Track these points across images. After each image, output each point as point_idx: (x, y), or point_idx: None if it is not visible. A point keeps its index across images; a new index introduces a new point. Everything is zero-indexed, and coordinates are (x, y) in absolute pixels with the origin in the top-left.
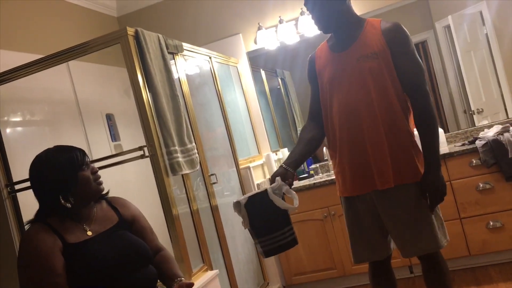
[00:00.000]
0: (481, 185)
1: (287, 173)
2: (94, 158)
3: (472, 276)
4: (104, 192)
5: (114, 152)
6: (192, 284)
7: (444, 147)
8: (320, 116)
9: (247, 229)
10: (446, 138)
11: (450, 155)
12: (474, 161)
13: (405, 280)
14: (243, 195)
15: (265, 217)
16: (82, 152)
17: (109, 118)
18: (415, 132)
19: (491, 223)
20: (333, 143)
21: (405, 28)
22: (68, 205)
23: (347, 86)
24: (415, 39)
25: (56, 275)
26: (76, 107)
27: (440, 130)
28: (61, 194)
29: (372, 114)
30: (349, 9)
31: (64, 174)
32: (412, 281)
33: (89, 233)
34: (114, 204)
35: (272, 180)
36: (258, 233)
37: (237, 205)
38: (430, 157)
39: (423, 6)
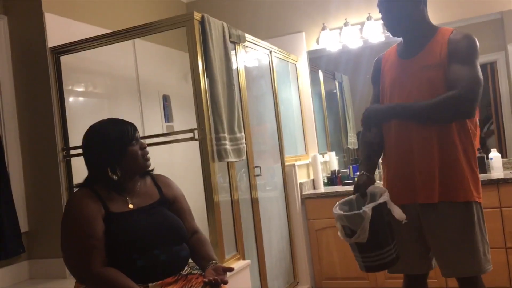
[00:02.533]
0: None
1: (371, 181)
2: (146, 134)
3: None
4: (150, 168)
5: (165, 132)
6: (232, 269)
7: (499, 172)
8: None
9: (349, 242)
10: (503, 164)
11: (504, 181)
12: None
13: None
14: (284, 191)
15: (378, 230)
16: (133, 127)
17: (165, 99)
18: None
19: None
20: (385, 149)
21: (474, 40)
22: (115, 177)
23: (406, 94)
24: (484, 58)
25: (95, 239)
26: (135, 85)
27: (497, 154)
28: (109, 165)
29: (426, 127)
30: (423, 14)
31: (113, 146)
32: None
33: (131, 205)
34: (158, 181)
35: (360, 190)
36: (365, 248)
37: (355, 217)
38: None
39: (497, 26)
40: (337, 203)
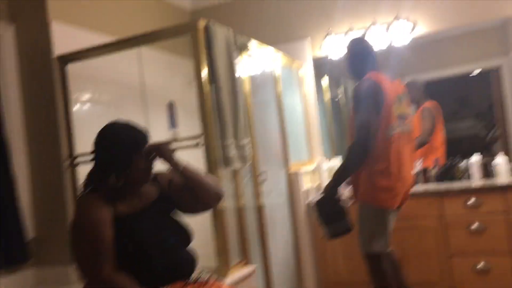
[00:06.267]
0: None
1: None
2: (152, 141)
3: None
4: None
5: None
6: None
7: (505, 178)
8: None
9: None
10: (510, 169)
11: (511, 187)
12: None
13: None
14: (288, 198)
15: (332, 211)
16: (145, 136)
17: (171, 106)
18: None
19: None
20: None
21: (363, 86)
22: (119, 183)
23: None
24: (488, 64)
25: (106, 243)
26: (141, 92)
27: (504, 160)
28: (115, 171)
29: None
30: (359, 69)
31: (122, 150)
32: None
33: (137, 206)
34: (156, 177)
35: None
36: (325, 222)
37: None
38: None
39: (501, 31)
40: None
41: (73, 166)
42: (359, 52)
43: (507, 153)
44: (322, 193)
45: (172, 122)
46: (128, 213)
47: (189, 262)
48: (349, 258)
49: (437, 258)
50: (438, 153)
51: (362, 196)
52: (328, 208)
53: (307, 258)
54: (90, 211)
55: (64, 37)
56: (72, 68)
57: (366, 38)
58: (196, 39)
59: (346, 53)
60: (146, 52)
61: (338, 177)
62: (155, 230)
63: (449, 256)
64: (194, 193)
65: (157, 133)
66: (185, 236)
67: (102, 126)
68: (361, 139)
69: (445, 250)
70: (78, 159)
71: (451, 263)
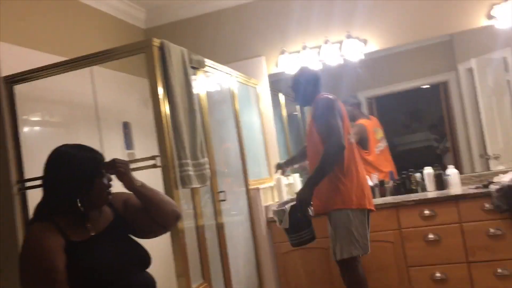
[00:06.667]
0: (491, 231)
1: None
2: None
3: None
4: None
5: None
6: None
7: (457, 188)
8: None
9: (282, 228)
10: (461, 180)
11: (463, 197)
12: (487, 205)
13: None
14: (249, 215)
15: (297, 220)
16: (102, 157)
17: (126, 126)
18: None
19: (499, 271)
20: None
21: (321, 101)
22: (82, 208)
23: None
24: (436, 79)
25: (57, 272)
26: (94, 112)
27: (455, 171)
28: (77, 195)
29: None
30: (312, 91)
31: (83, 175)
32: None
33: (91, 232)
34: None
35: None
36: (290, 231)
37: (280, 212)
38: (307, 179)
39: (448, 47)
40: (277, 204)
41: (22, 190)
42: (310, 79)
43: (457, 164)
44: (296, 199)
45: (128, 143)
46: (82, 239)
47: (148, 286)
48: (310, 274)
49: (396, 269)
50: (383, 167)
51: (332, 204)
52: (298, 215)
53: (269, 274)
54: (41, 240)
55: (12, 58)
56: (20, 89)
57: (316, 60)
58: (151, 57)
59: (296, 82)
60: (99, 71)
61: (314, 179)
62: (111, 255)
63: (407, 266)
64: (151, 213)
65: (112, 155)
66: (143, 259)
67: (52, 149)
68: (336, 139)
69: (403, 261)
70: (28, 184)
71: (409, 273)
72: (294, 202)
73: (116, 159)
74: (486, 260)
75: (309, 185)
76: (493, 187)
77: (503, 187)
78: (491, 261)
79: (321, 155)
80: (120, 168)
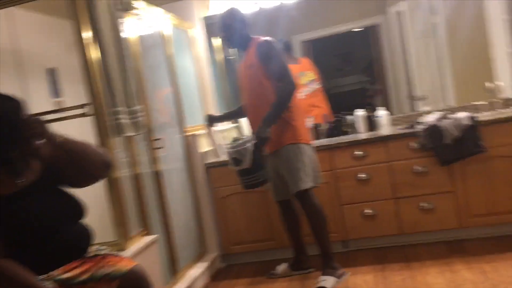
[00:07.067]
0: (416, 168)
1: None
2: (32, 113)
3: (402, 253)
4: None
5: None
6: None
7: (386, 129)
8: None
9: (238, 169)
10: (390, 121)
11: (391, 137)
12: (413, 145)
13: (340, 254)
14: (186, 161)
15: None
16: (19, 104)
17: (51, 72)
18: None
19: (422, 204)
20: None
21: (267, 43)
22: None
23: (244, 86)
24: (366, 22)
25: None
26: (14, 58)
27: (384, 113)
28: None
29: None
30: (246, 34)
31: (7, 123)
32: (347, 255)
33: (18, 186)
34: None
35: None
36: (245, 172)
37: (242, 151)
38: (265, 117)
39: None
40: (230, 145)
41: None
42: (244, 21)
43: (387, 106)
44: (256, 137)
45: (55, 91)
46: (10, 193)
47: (84, 238)
48: (249, 216)
49: (331, 208)
50: (317, 111)
51: (285, 140)
52: (255, 155)
53: (208, 221)
54: None
55: None
56: None
57: (251, 2)
58: None
59: (229, 26)
60: (18, 14)
61: (273, 117)
62: (42, 209)
63: (340, 205)
64: (79, 165)
65: (38, 103)
66: (76, 210)
67: None
68: (291, 78)
69: (337, 200)
70: None
71: (343, 211)
72: (253, 141)
73: (30, 119)
74: (411, 195)
75: (267, 124)
76: (419, 127)
77: (428, 127)
78: (415, 196)
79: (274, 95)
80: (35, 130)
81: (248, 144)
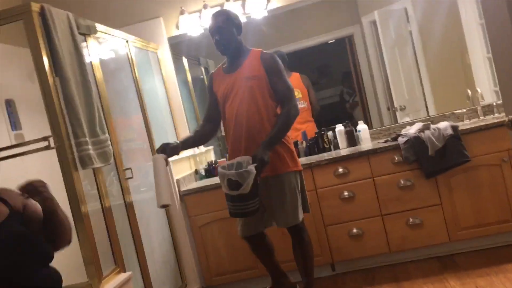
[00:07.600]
0: (402, 182)
1: (177, 148)
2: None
3: (392, 273)
4: None
5: (13, 143)
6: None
7: (368, 144)
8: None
9: (232, 194)
10: (370, 135)
11: (373, 152)
12: (396, 158)
13: (327, 278)
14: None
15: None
16: None
17: (9, 104)
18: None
19: (411, 220)
20: None
21: (273, 57)
22: None
23: (239, 98)
24: (341, 33)
25: None
26: None
27: (365, 127)
28: None
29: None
30: (241, 41)
31: None
32: (334, 279)
33: None
34: (1, 195)
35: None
36: (238, 199)
37: (244, 174)
38: (269, 139)
39: (351, 0)
40: (221, 166)
41: None
42: (239, 25)
43: (366, 118)
44: (257, 160)
45: (13, 123)
46: None
47: (52, 282)
48: (229, 245)
49: (314, 229)
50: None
51: (284, 166)
52: (255, 180)
53: (186, 252)
54: None
55: None
56: None
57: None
58: (31, 25)
59: (224, 27)
60: None
61: (275, 140)
62: (4, 253)
63: (325, 226)
64: (50, 228)
65: None
66: (42, 254)
67: None
68: (295, 101)
69: (320, 221)
70: None
71: (327, 232)
72: (254, 164)
73: (34, 181)
74: (397, 211)
75: (269, 147)
76: (401, 140)
77: (410, 139)
78: (402, 212)
79: (275, 115)
80: (45, 193)
81: (251, 167)
